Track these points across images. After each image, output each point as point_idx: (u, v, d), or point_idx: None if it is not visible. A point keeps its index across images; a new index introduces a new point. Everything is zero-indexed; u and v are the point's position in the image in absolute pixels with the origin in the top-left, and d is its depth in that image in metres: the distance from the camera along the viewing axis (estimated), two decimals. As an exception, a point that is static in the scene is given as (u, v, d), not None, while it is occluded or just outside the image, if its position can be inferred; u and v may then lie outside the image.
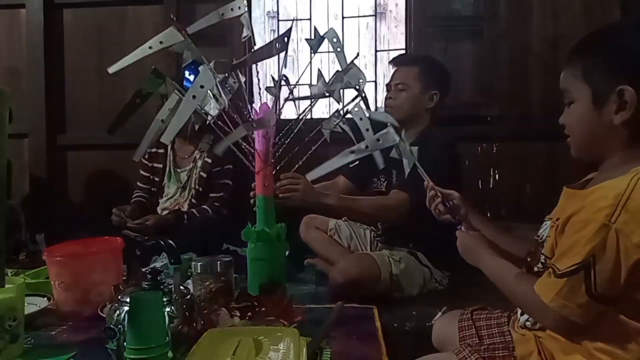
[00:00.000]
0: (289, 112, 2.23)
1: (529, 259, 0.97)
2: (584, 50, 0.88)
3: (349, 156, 1.39)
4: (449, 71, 2.09)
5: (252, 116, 1.62)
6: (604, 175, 0.86)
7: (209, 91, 1.51)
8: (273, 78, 1.64)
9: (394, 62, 2.09)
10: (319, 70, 1.57)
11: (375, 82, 3.04)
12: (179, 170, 2.57)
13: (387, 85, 2.07)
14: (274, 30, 3.08)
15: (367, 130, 1.50)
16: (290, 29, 1.51)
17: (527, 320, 0.95)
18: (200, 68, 1.52)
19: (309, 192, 1.75)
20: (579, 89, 0.87)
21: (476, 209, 1.20)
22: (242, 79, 1.68)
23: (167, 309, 1.14)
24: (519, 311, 0.98)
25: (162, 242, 1.22)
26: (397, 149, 1.40)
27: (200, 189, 2.52)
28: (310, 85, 1.61)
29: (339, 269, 1.79)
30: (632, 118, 0.81)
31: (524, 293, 0.88)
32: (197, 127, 1.65)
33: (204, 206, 2.48)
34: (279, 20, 3.07)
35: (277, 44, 1.42)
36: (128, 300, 1.08)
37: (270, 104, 1.61)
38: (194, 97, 1.38)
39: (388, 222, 1.96)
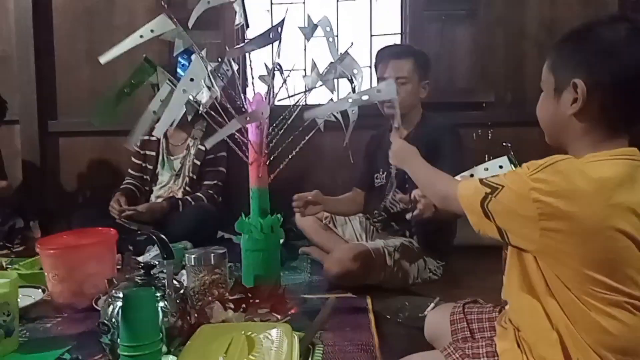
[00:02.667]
0: (283, 96, 2.22)
1: None
2: (556, 45, 0.91)
3: (346, 103, 1.44)
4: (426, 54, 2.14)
5: (245, 106, 1.61)
6: None
7: (210, 79, 1.50)
8: (266, 66, 1.62)
9: (386, 54, 2.05)
10: (312, 60, 1.55)
11: (370, 67, 3.02)
12: (172, 157, 2.56)
13: (380, 79, 2.01)
14: (268, 11, 3.04)
15: (352, 110, 1.60)
16: (284, 19, 1.49)
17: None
18: (193, 58, 1.50)
19: (329, 205, 2.05)
20: (547, 80, 0.91)
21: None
22: (235, 67, 1.66)
23: (161, 304, 1.15)
24: (508, 306, 0.99)
25: (154, 236, 1.22)
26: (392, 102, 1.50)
27: (194, 176, 2.51)
28: (304, 76, 1.59)
29: (334, 260, 1.80)
30: (583, 111, 0.84)
31: (439, 180, 1.08)
32: (189, 117, 1.64)
33: (198, 194, 2.47)
34: (272, 4, 3.03)
35: (270, 34, 1.39)
36: (121, 295, 1.08)
37: (263, 92, 1.60)
38: (184, 91, 1.36)
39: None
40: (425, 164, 1.21)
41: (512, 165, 1.24)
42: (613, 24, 0.84)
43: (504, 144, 1.31)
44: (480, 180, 0.90)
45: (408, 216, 1.47)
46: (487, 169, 1.25)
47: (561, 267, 0.81)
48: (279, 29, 1.44)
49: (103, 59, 1.46)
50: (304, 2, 2.99)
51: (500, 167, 1.24)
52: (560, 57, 0.89)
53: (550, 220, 0.78)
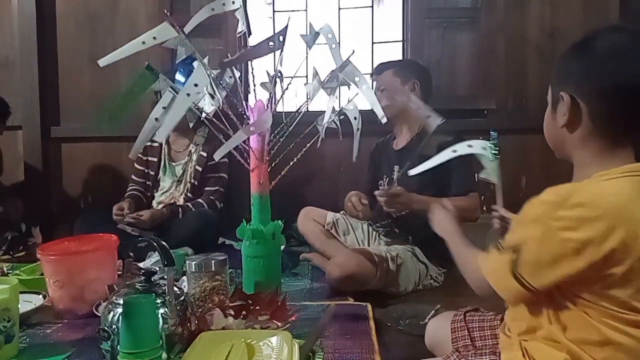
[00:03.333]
0: (285, 103, 2.22)
1: None
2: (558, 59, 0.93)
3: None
4: (426, 68, 2.22)
5: (246, 113, 1.61)
6: (573, 179, 0.90)
7: (212, 86, 1.50)
8: (268, 73, 1.62)
9: (374, 72, 2.20)
10: (314, 68, 1.56)
11: (371, 75, 3.02)
12: (174, 163, 2.56)
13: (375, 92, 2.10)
14: (270, 18, 3.05)
15: (355, 118, 1.64)
16: (286, 27, 1.49)
17: None
18: (195, 65, 1.51)
19: (413, 200, 1.83)
20: (549, 94, 0.92)
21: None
22: (237, 74, 1.67)
23: (161, 311, 1.15)
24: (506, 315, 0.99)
25: (154, 243, 1.22)
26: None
27: (196, 182, 2.52)
28: (306, 83, 1.59)
29: (336, 264, 1.79)
30: (573, 123, 0.85)
31: (471, 264, 0.96)
32: (191, 125, 1.65)
33: (200, 200, 2.48)
34: (274, 11, 3.04)
35: (270, 43, 1.40)
36: (121, 302, 1.08)
37: (264, 99, 1.60)
38: (187, 95, 1.36)
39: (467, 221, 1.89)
40: (460, 245, 1.07)
41: (493, 151, 1.25)
42: (601, 36, 0.85)
43: (491, 131, 1.30)
44: (498, 251, 0.86)
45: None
46: (471, 146, 1.27)
47: (579, 288, 0.80)
48: (280, 37, 1.45)
49: (103, 63, 1.47)
50: (305, 10, 3.01)
51: (484, 148, 1.26)
52: (555, 71, 0.91)
53: (583, 254, 0.76)
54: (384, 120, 1.52)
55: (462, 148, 1.27)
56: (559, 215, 0.77)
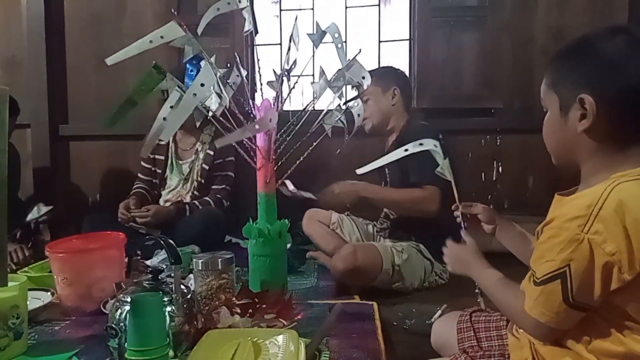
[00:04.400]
0: (292, 102, 2.23)
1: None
2: (555, 60, 0.89)
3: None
4: (403, 72, 2.26)
5: (253, 112, 1.62)
6: (584, 184, 0.86)
7: (219, 85, 1.51)
8: (275, 72, 1.62)
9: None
10: (320, 67, 1.56)
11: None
12: (180, 162, 2.57)
13: None
14: (277, 16, 3.06)
15: (359, 115, 1.70)
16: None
17: None
18: (202, 64, 1.51)
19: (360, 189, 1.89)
20: (549, 98, 0.88)
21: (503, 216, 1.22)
22: (244, 73, 1.67)
23: (168, 309, 1.15)
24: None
25: (161, 241, 1.23)
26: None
27: (203, 180, 2.52)
28: (312, 82, 1.60)
29: (341, 256, 1.80)
30: (594, 126, 0.81)
31: (506, 299, 0.90)
32: (198, 124, 1.65)
33: (206, 198, 2.49)
34: (281, 10, 3.05)
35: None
36: (129, 300, 1.09)
37: (271, 98, 1.61)
38: (194, 95, 1.37)
39: (423, 216, 1.91)
40: (491, 280, 0.98)
41: (440, 151, 1.27)
42: (612, 37, 0.83)
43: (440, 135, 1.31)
44: (534, 281, 0.81)
45: None
46: (422, 144, 1.29)
47: (619, 298, 0.78)
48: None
49: (110, 61, 1.47)
50: (312, 9, 3.01)
51: (435, 146, 1.28)
52: (560, 73, 0.87)
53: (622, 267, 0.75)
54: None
55: (413, 147, 1.30)
56: (596, 229, 0.74)
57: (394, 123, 2.11)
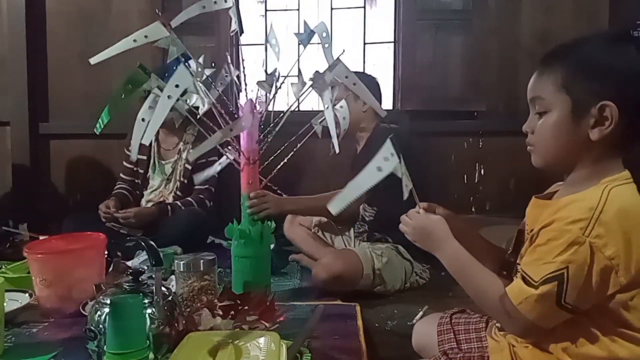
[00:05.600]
0: (279, 102, 2.20)
1: (504, 272, 0.98)
2: (565, 58, 0.84)
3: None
4: (375, 78, 2.19)
5: (237, 113, 1.61)
6: (573, 188, 0.85)
7: (195, 86, 1.49)
8: (266, 72, 1.61)
9: None
10: (298, 68, 1.56)
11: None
12: (163, 162, 2.55)
13: None
14: (262, 16, 3.05)
15: (344, 119, 1.71)
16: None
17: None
18: (179, 67, 1.49)
19: (279, 204, 1.79)
20: (557, 98, 0.83)
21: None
22: (236, 73, 1.67)
23: (149, 311, 1.14)
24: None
25: (142, 242, 1.21)
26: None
27: (185, 181, 2.50)
28: (292, 83, 1.59)
29: (322, 265, 1.80)
30: (610, 135, 0.80)
31: (479, 284, 0.89)
32: (177, 124, 1.64)
33: (189, 198, 2.47)
34: (266, 10, 3.04)
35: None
36: (109, 302, 1.08)
37: (255, 98, 1.60)
38: (169, 97, 1.35)
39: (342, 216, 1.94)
40: (460, 260, 0.94)
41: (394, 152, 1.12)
42: (628, 44, 0.82)
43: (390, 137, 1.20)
44: (528, 283, 0.79)
45: None
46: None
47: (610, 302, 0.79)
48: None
49: (94, 60, 1.46)
50: (298, 9, 3.01)
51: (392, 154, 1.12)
52: (578, 77, 0.82)
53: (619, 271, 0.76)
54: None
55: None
56: (597, 232, 0.74)
57: (362, 130, 2.10)
